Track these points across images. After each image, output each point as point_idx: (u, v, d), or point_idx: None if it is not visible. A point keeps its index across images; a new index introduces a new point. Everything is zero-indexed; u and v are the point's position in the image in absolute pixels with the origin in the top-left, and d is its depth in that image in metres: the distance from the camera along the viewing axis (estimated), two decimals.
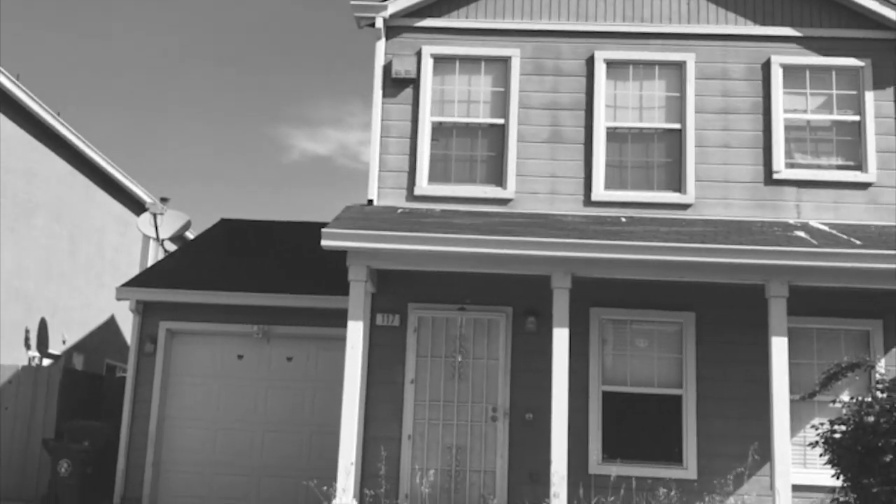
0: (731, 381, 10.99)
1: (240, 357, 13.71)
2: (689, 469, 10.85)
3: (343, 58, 41.13)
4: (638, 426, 11.05)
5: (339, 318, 13.52)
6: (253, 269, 14.53)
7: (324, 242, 9.74)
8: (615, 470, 10.41)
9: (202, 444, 13.37)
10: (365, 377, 11.05)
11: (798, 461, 10.75)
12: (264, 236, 16.44)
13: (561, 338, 9.65)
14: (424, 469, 10.80)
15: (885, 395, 7.23)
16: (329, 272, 14.43)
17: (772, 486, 10.40)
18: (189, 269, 14.57)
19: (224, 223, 17.31)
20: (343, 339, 13.55)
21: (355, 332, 9.72)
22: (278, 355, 13.73)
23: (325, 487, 9.49)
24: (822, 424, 7.98)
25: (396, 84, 11.84)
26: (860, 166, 11.56)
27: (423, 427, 11.04)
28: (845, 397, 10.37)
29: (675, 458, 10.91)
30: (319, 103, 41.83)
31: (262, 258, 15.17)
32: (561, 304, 9.74)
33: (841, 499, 7.53)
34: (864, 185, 11.51)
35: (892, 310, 11.13)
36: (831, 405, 10.66)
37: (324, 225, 16.11)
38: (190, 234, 19.98)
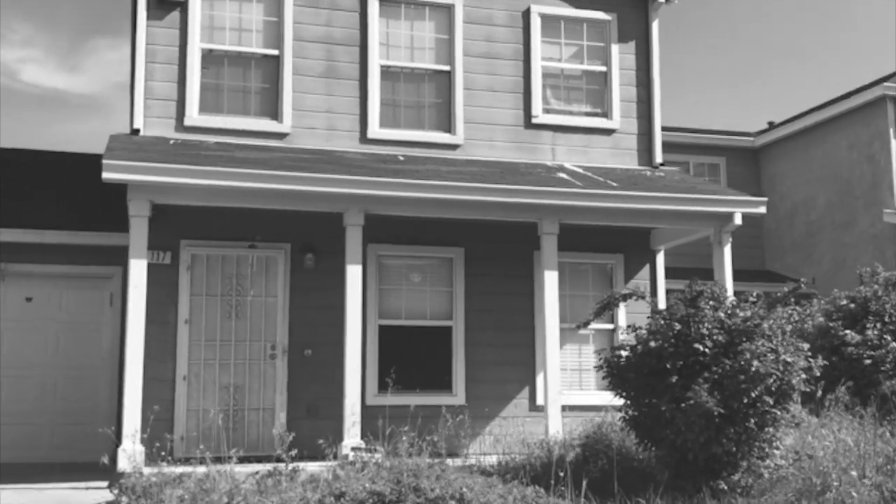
0: (497, 312, 11.72)
1: None
2: (458, 396, 11.50)
3: None
4: (413, 358, 11.48)
5: (87, 255, 12.71)
6: None
7: (105, 175, 9.06)
8: (392, 400, 10.75)
9: None
10: None
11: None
12: None
13: (354, 274, 9.80)
14: (201, 409, 10.54)
15: (664, 323, 8.13)
16: (74, 206, 13.38)
17: (531, 409, 11.42)
18: None
19: None
20: (92, 277, 12.84)
21: (139, 271, 9.23)
22: (15, 295, 12.58)
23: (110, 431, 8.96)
24: (603, 350, 8.82)
25: (163, 6, 11.11)
26: (606, 114, 12.63)
27: (199, 367, 10.73)
28: (598, 325, 11.58)
29: (447, 385, 11.51)
30: None
31: None
32: (354, 241, 9.85)
33: (627, 415, 8.41)
34: (609, 132, 12.60)
35: (631, 245, 12.40)
36: (579, 332, 11.79)
37: (61, 154, 14.86)
38: None
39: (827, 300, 12.60)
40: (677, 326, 7.97)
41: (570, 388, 11.60)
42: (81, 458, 12.28)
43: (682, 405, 7.58)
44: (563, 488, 7.06)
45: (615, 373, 8.44)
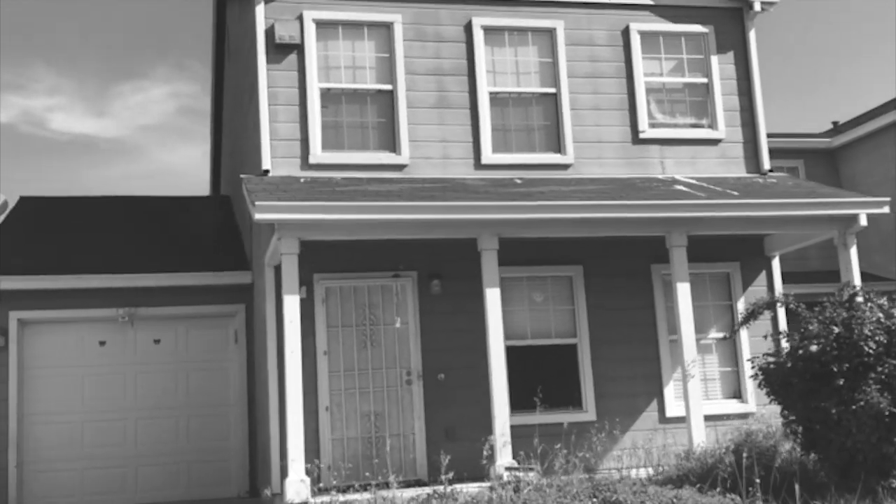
0: (619, 327, 11.85)
1: (102, 343, 12.87)
2: (588, 412, 11.62)
3: (23, 16, 36.73)
4: (541, 376, 11.59)
5: (210, 295, 13.11)
6: (103, 247, 13.57)
7: (258, 216, 9.38)
8: (524, 419, 10.91)
9: (69, 438, 12.49)
10: (275, 352, 10.80)
11: (681, 395, 11.83)
12: (90, 213, 15.24)
13: (493, 297, 10.02)
14: (345, 438, 10.80)
15: (820, 327, 8.22)
16: (189, 247, 13.80)
17: (660, 421, 11.55)
18: (28, 253, 13.32)
19: (26, 202, 15.78)
20: (215, 316, 13.23)
21: (292, 306, 9.47)
22: (144, 338, 13.03)
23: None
24: (755, 357, 8.93)
25: (280, 50, 11.48)
26: (711, 124, 12.76)
27: (340, 397, 10.98)
28: (717, 334, 11.73)
29: (576, 402, 11.65)
30: None
31: (107, 235, 14.16)
32: (490, 265, 10.08)
33: (787, 420, 8.48)
34: (715, 142, 12.73)
35: (746, 253, 12.47)
36: (701, 342, 11.90)
37: (154, 199, 15.38)
38: None
39: None
40: (836, 329, 8.07)
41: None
42: (218, 493, 12.68)
43: (853, 407, 7.66)
44: (757, 493, 7.18)
45: (773, 379, 8.54)
